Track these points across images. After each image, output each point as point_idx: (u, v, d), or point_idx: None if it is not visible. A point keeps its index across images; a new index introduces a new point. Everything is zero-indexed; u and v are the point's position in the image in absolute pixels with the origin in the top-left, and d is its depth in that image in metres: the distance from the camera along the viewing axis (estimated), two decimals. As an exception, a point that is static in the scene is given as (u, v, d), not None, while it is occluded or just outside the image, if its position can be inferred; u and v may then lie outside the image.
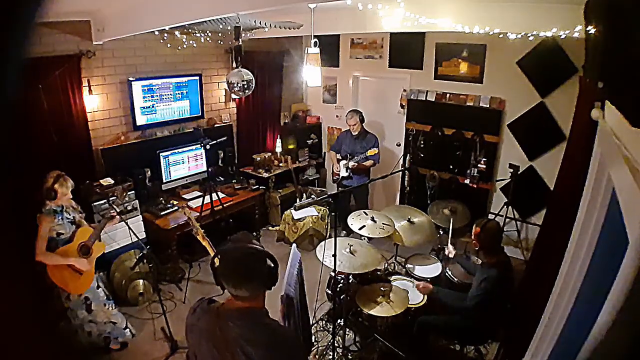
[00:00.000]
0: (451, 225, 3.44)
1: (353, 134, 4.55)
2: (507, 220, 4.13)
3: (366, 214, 3.23)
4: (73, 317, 2.77)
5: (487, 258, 2.62)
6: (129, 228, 2.94)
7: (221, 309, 1.39)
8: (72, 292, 2.71)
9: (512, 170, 4.03)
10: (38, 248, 2.51)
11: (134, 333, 3.09)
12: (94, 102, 3.84)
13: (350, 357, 3.03)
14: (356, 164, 4.42)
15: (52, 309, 2.74)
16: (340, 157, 4.64)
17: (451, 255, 3.10)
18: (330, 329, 3.00)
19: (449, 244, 3.21)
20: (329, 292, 3.20)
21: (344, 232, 4.54)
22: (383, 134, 5.20)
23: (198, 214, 3.94)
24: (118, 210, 2.99)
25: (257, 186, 4.78)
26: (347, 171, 4.53)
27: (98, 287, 2.88)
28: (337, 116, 5.74)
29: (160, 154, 4.16)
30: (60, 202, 2.64)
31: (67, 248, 2.67)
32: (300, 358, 1.49)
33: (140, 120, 4.19)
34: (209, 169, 4.31)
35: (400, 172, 4.87)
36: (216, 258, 1.37)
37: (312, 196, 5.00)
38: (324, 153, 6.04)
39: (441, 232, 3.92)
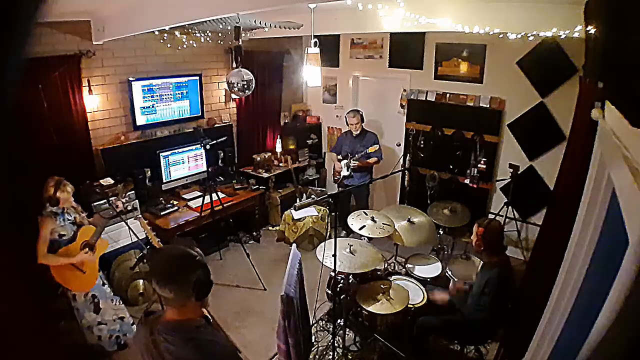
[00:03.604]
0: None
1: (354, 133, 4.55)
2: (507, 220, 4.13)
3: (366, 214, 3.22)
4: (80, 318, 2.78)
5: (489, 258, 2.62)
6: (129, 228, 2.95)
7: (154, 322, 1.34)
8: (76, 291, 2.72)
9: (512, 170, 4.03)
10: (39, 251, 2.51)
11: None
12: (94, 102, 3.84)
13: (350, 357, 3.03)
14: (357, 162, 4.42)
15: (53, 309, 2.75)
16: (341, 157, 4.64)
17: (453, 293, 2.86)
18: (330, 329, 3.00)
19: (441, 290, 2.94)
20: (329, 292, 3.20)
21: (344, 232, 4.54)
22: (383, 134, 5.20)
23: (198, 214, 3.94)
24: (119, 210, 2.99)
25: (257, 186, 4.78)
26: (348, 170, 4.53)
27: (104, 284, 2.91)
28: (337, 116, 5.74)
29: (160, 154, 4.16)
30: (62, 206, 2.65)
31: (70, 247, 2.68)
32: None
33: (140, 120, 4.19)
34: (209, 169, 4.31)
35: (400, 172, 4.87)
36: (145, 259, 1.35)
37: (312, 196, 5.00)
38: (324, 153, 6.04)
39: (441, 232, 3.92)
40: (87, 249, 2.72)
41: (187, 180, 4.50)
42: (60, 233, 2.64)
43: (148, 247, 3.16)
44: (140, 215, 3.21)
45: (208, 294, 1.34)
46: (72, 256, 2.65)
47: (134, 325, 3.04)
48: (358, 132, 4.53)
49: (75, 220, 2.77)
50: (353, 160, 4.44)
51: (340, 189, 4.58)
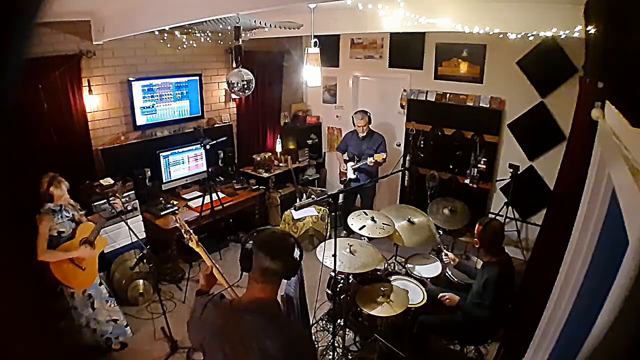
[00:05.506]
0: (436, 235, 3.40)
1: (360, 134, 4.51)
2: (507, 220, 4.13)
3: (366, 214, 3.22)
4: (78, 317, 2.79)
5: (488, 257, 2.63)
6: (129, 228, 2.95)
7: (235, 303, 1.38)
8: (75, 287, 2.73)
9: (512, 170, 4.03)
10: (39, 248, 2.52)
11: (133, 332, 3.12)
12: (94, 102, 3.84)
13: (350, 357, 3.03)
14: (364, 169, 4.43)
15: (53, 309, 2.74)
16: (347, 158, 4.63)
17: (453, 263, 3.06)
18: (330, 329, 3.00)
19: (444, 251, 3.20)
20: (329, 292, 3.20)
21: (345, 232, 4.54)
22: (383, 134, 5.20)
23: (198, 214, 3.94)
24: (119, 210, 3.00)
25: (257, 186, 4.78)
26: (354, 173, 4.52)
27: (100, 284, 2.92)
28: (337, 116, 5.74)
29: (160, 154, 4.16)
30: (58, 202, 2.66)
31: (69, 244, 2.69)
32: (313, 354, 1.46)
33: (140, 120, 4.19)
34: (209, 169, 4.31)
35: (400, 172, 4.87)
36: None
37: (312, 196, 5.00)
38: (324, 153, 6.04)
39: (441, 232, 3.91)
40: (86, 245, 2.73)
41: (187, 180, 4.50)
42: (59, 230, 2.65)
43: (148, 247, 3.16)
44: (177, 211, 3.19)
45: (296, 273, 1.41)
46: (71, 251, 2.66)
47: (128, 328, 3.07)
48: (364, 133, 4.49)
49: (74, 217, 2.77)
50: (359, 164, 4.44)
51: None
